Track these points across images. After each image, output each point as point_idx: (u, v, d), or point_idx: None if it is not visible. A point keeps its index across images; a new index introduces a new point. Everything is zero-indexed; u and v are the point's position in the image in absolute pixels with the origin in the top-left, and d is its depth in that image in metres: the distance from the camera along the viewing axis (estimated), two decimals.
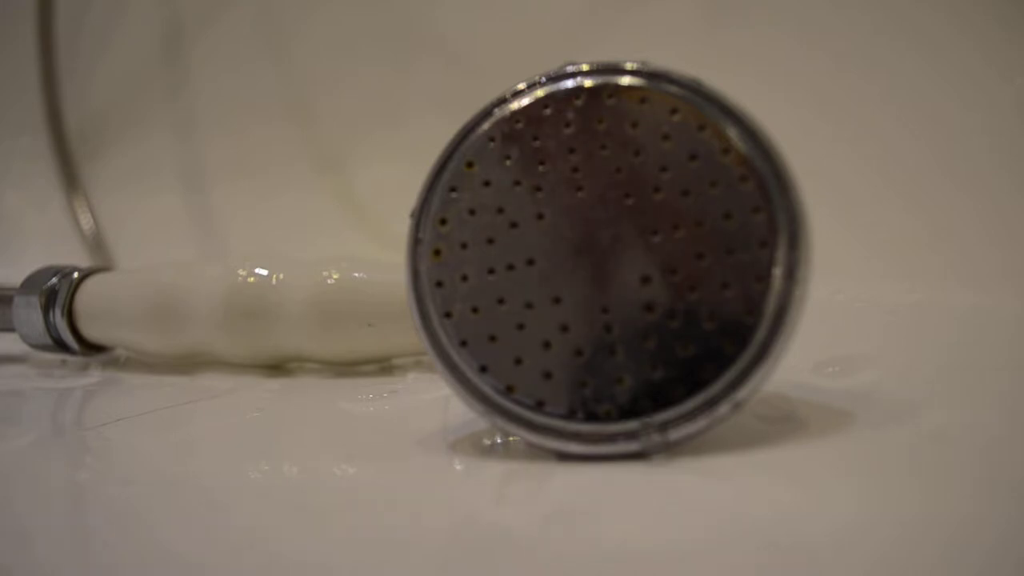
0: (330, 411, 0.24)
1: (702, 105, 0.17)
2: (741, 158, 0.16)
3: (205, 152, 0.51)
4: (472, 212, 0.18)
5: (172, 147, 0.51)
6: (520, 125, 0.18)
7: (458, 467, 0.18)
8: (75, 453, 0.21)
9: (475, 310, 0.17)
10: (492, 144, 0.18)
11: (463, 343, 0.17)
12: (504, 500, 0.16)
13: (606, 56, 0.18)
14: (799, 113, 0.34)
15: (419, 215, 0.18)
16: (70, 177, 0.51)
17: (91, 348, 0.30)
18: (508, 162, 0.18)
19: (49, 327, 0.29)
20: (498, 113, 0.18)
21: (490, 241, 0.18)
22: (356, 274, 0.26)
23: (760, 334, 0.16)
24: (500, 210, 0.18)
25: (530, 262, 0.17)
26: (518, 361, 0.17)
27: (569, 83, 0.18)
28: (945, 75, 0.35)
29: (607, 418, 0.16)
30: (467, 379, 0.17)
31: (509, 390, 0.17)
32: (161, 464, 0.20)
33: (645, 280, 0.17)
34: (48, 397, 0.27)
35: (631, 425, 0.16)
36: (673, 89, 0.17)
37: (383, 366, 0.28)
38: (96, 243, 0.49)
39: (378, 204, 0.46)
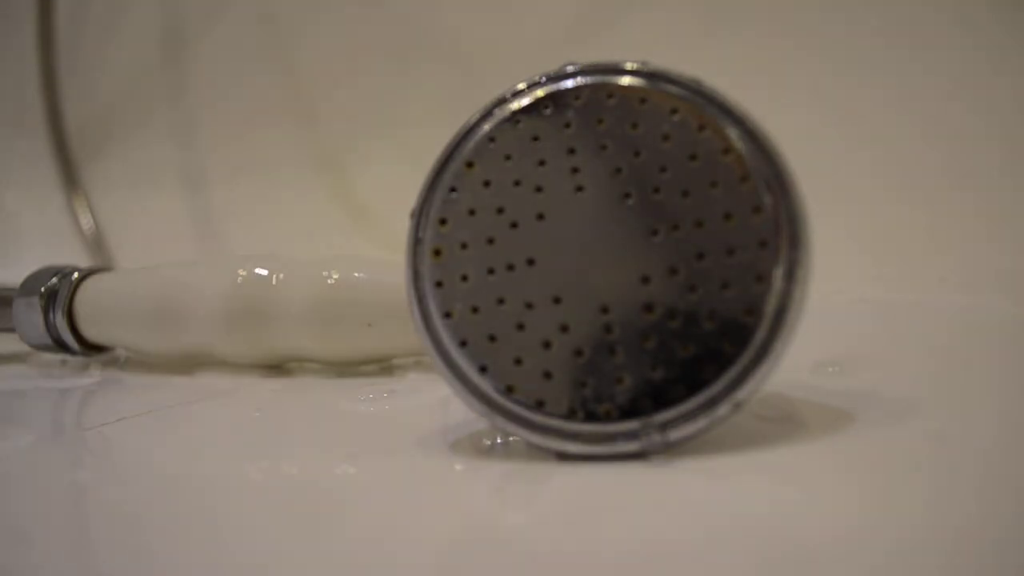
0: (330, 411, 0.24)
1: (702, 105, 0.17)
2: (741, 158, 0.16)
3: (205, 152, 0.51)
4: (472, 212, 0.18)
5: (172, 147, 0.51)
6: (520, 125, 0.18)
7: (458, 467, 0.18)
8: (75, 453, 0.21)
9: (475, 310, 0.17)
10: (492, 144, 0.18)
11: (463, 343, 0.17)
12: (504, 500, 0.16)
13: (606, 56, 0.18)
14: (799, 114, 0.34)
15: (419, 215, 0.18)
16: (70, 177, 0.51)
17: (91, 348, 0.30)
18: (508, 162, 0.18)
19: (49, 327, 0.29)
20: (498, 113, 0.18)
21: (490, 241, 0.18)
22: (356, 274, 0.26)
23: (760, 334, 0.16)
24: (500, 210, 0.18)
25: (530, 262, 0.17)
26: (518, 361, 0.17)
27: (569, 83, 0.18)
28: (944, 75, 0.35)
29: (607, 418, 0.16)
30: (467, 379, 0.17)
31: (509, 390, 0.17)
32: (161, 464, 0.20)
33: (645, 280, 0.17)
34: (48, 397, 0.27)
35: (631, 425, 0.16)
36: (673, 89, 0.17)
37: (383, 366, 0.28)
38: (96, 243, 0.49)
39: (378, 204, 0.46)
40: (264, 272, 0.27)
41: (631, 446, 0.16)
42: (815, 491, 0.15)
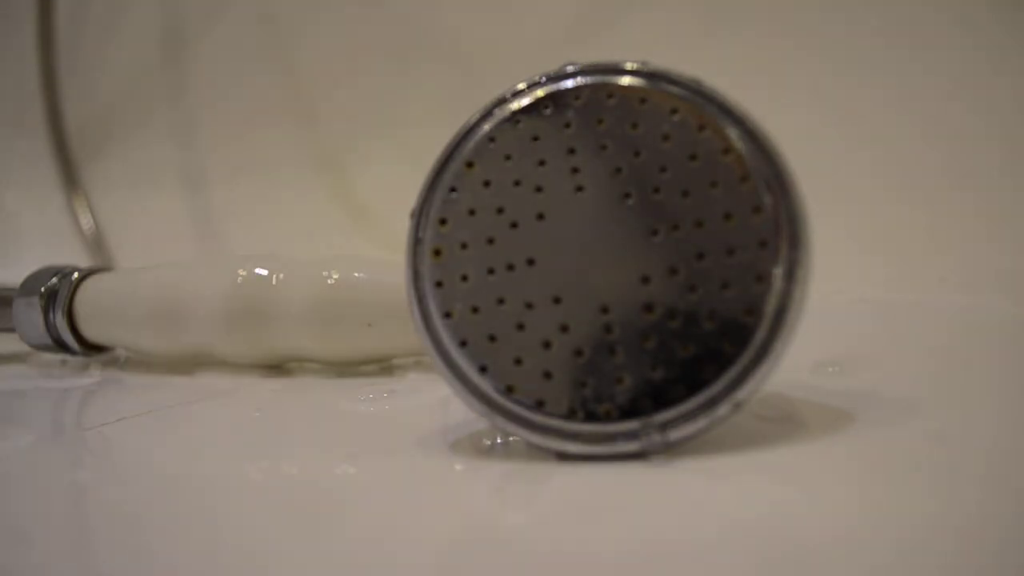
0: (330, 411, 0.24)
1: (702, 105, 0.17)
2: (741, 158, 0.16)
3: (205, 152, 0.51)
4: (472, 212, 0.18)
5: (172, 147, 0.51)
6: (520, 125, 0.18)
7: (458, 467, 0.18)
8: (75, 453, 0.21)
9: (475, 310, 0.17)
10: (492, 144, 0.18)
11: (463, 343, 0.17)
12: (504, 500, 0.16)
13: (606, 56, 0.18)
14: (799, 114, 0.34)
15: (419, 215, 0.18)
16: (70, 177, 0.51)
17: (91, 348, 0.30)
18: (508, 162, 0.18)
19: (49, 327, 0.29)
20: (498, 113, 0.18)
21: (490, 241, 0.18)
22: (356, 274, 0.26)
23: (760, 334, 0.16)
24: (500, 210, 0.18)
25: (530, 262, 0.17)
26: (518, 361, 0.17)
27: (569, 83, 0.18)
28: (944, 75, 0.35)
29: (607, 418, 0.16)
30: (467, 379, 0.17)
31: (509, 390, 0.17)
32: (161, 464, 0.20)
33: (645, 280, 0.17)
34: (48, 397, 0.27)
35: (631, 425, 0.16)
36: (673, 89, 0.17)
37: (383, 366, 0.28)
38: (96, 243, 0.49)
39: (378, 204, 0.46)
40: (264, 272, 0.27)
41: (631, 446, 0.16)
42: (815, 491, 0.15)
